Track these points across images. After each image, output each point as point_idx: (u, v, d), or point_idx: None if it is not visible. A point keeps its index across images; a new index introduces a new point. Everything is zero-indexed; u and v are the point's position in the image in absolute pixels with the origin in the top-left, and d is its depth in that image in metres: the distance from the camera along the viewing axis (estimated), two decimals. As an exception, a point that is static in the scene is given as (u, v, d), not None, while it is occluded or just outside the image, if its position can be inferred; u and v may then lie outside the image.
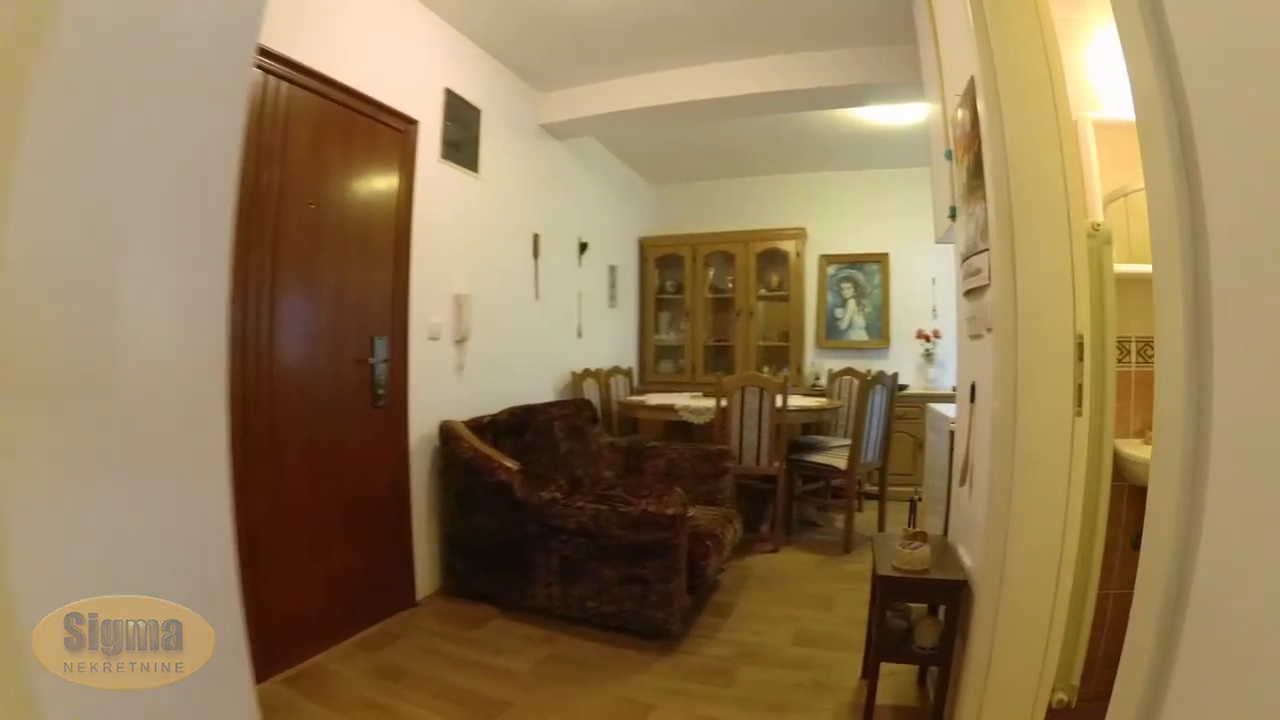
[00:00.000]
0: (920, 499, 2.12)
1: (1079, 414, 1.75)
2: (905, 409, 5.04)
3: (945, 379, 5.49)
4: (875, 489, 4.47)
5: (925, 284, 5.65)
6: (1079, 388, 1.74)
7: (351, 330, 2.81)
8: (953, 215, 2.42)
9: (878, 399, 4.07)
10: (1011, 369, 1.76)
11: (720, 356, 6.22)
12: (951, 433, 2.48)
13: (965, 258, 2.18)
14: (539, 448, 3.30)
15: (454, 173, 3.48)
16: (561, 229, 4.73)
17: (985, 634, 1.88)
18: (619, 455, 3.84)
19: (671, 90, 4.06)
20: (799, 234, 5.87)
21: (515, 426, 3.26)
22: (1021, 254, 1.77)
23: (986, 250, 1.94)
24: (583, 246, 5.02)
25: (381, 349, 2.95)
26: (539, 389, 4.38)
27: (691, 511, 3.10)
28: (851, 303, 5.98)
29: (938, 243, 2.81)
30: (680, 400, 4.40)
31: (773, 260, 6.02)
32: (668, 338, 6.38)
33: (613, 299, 5.69)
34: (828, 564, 3.78)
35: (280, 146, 2.43)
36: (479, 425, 3.21)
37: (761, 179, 6.28)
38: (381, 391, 2.96)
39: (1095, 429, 1.79)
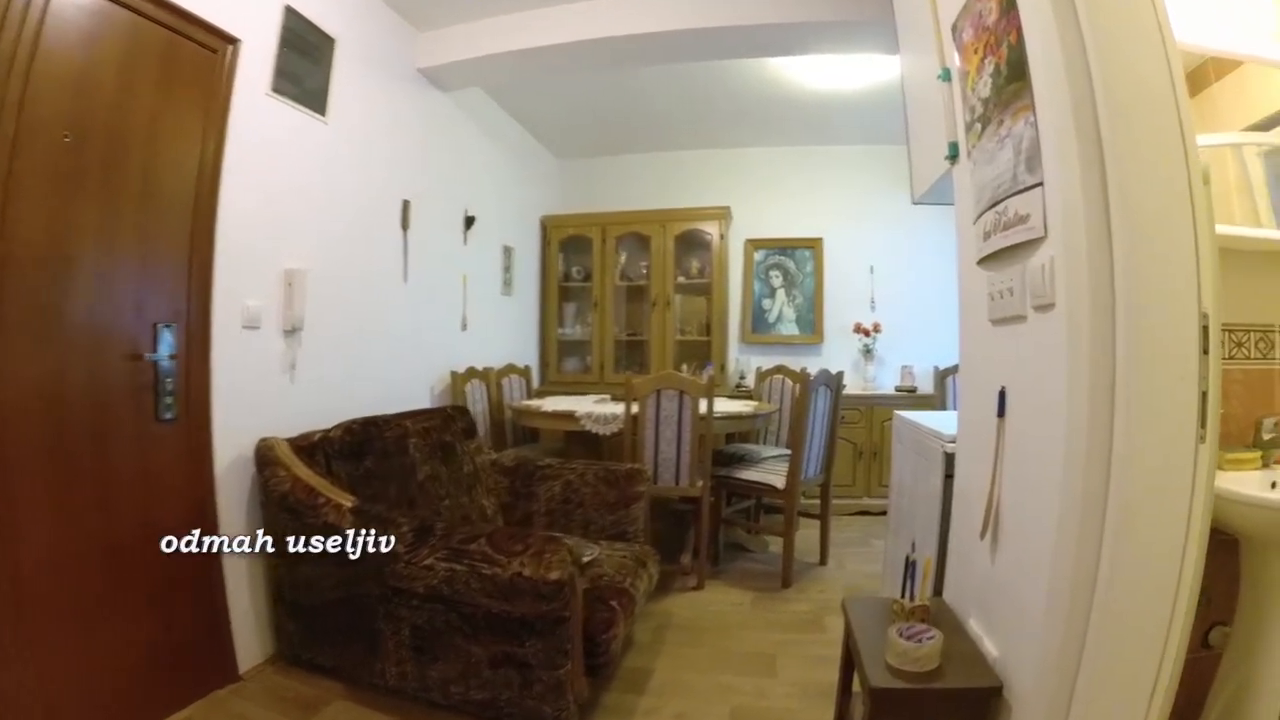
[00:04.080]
0: (925, 560, 1.43)
1: (1203, 439, 1.10)
2: (843, 411, 4.46)
3: (886, 378, 5.00)
4: (815, 501, 3.83)
5: (863, 272, 5.17)
6: (1204, 396, 1.09)
7: (123, 315, 2.06)
8: (953, 156, 1.76)
9: (820, 403, 3.44)
10: (1107, 368, 1.09)
11: (633, 353, 5.55)
12: (947, 454, 1.81)
13: (987, 208, 1.52)
14: (386, 474, 2.45)
15: (290, 112, 2.66)
16: (442, 198, 3.92)
17: (1036, 770, 1.24)
18: (504, 478, 3.02)
19: (571, 27, 3.34)
20: (722, 214, 5.24)
21: (353, 446, 2.39)
22: (1118, 184, 1.10)
23: (1038, 185, 1.27)
24: (469, 221, 4.20)
25: (169, 342, 2.15)
26: (410, 393, 3.54)
27: (592, 554, 2.35)
28: (781, 292, 5.40)
29: (916, 203, 2.16)
30: (583, 406, 3.62)
31: (693, 244, 5.39)
32: (573, 332, 5.64)
33: (507, 285, 4.88)
34: (764, 604, 3.13)
35: (27, 54, 1.75)
36: (308, 445, 2.36)
37: (681, 154, 5.64)
38: (170, 400, 2.17)
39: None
